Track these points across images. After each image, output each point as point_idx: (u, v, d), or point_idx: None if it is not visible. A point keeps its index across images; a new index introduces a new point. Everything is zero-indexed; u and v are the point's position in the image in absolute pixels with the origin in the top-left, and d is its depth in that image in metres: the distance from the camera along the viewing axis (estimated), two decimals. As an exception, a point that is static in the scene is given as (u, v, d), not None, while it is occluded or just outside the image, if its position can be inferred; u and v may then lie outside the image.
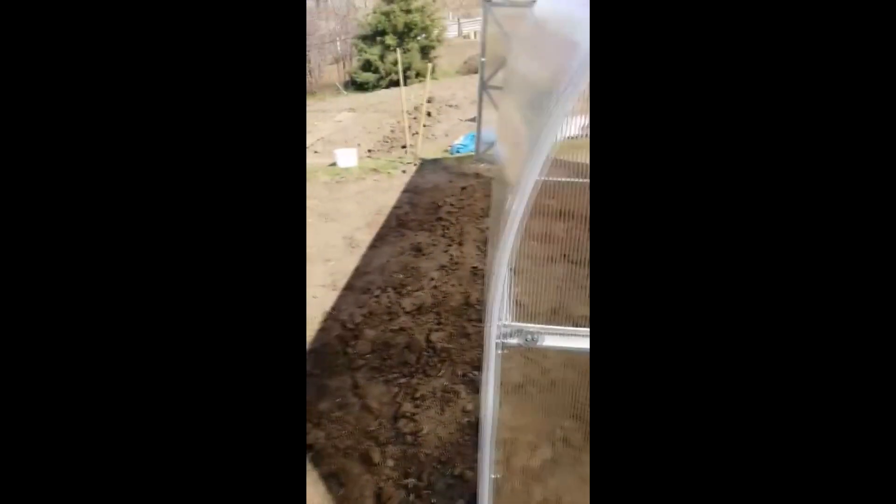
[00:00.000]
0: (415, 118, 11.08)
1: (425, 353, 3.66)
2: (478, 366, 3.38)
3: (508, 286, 1.10)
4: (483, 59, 6.71)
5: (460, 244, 5.26)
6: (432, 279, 4.65)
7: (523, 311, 1.17)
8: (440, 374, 3.39)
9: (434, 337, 3.80)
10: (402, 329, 3.97)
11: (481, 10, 6.62)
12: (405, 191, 7.11)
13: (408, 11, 17.64)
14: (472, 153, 8.68)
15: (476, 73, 20.48)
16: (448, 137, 10.59)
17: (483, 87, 6.83)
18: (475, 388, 3.18)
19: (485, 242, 5.21)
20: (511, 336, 1.16)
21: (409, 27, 17.88)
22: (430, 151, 9.37)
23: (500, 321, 1.13)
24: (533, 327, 1.15)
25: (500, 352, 1.16)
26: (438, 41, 19.63)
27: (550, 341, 1.14)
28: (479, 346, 3.58)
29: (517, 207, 1.02)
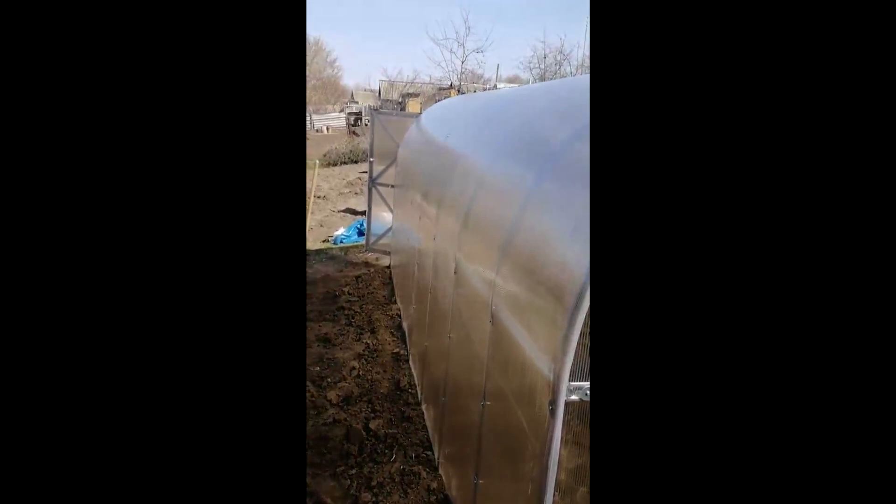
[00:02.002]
0: (289, 210, 11.06)
1: (367, 441, 3.73)
2: (428, 446, 3.57)
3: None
4: (372, 160, 7.30)
5: (373, 331, 5.44)
6: (353, 368, 4.73)
7: (576, 372, 1.57)
8: (392, 458, 3.49)
9: (373, 425, 3.89)
10: (335, 421, 3.98)
11: (369, 117, 7.31)
12: (298, 282, 7.08)
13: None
14: (356, 243, 9.02)
15: (336, 165, 20.86)
16: (324, 228, 10.80)
17: (373, 183, 7.38)
18: (433, 466, 3.36)
19: (398, 328, 5.47)
20: (571, 393, 1.54)
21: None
22: (310, 242, 9.47)
23: (568, 383, 1.51)
24: (586, 384, 1.55)
25: (564, 408, 1.53)
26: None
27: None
28: (424, 428, 3.77)
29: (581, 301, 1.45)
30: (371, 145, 7.28)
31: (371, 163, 7.32)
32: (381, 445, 3.66)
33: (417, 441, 3.64)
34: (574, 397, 1.54)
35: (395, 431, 3.78)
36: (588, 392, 1.54)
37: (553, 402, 1.54)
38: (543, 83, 3.89)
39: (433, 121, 5.75)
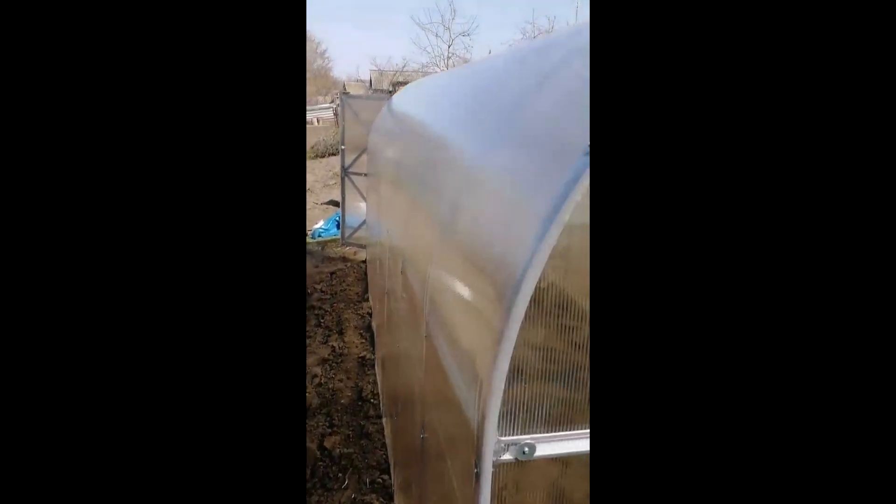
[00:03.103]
0: (268, 203, 10.60)
1: (321, 462, 3.27)
2: (386, 468, 3.11)
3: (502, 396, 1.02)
4: (343, 147, 6.79)
5: (340, 333, 4.98)
6: (315, 376, 4.28)
7: (514, 420, 1.09)
8: (344, 485, 3.04)
9: (328, 442, 3.43)
10: (288, 439, 3.53)
11: (339, 101, 6.78)
12: (268, 280, 6.63)
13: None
14: (335, 237, 8.52)
15: (323, 157, 20.44)
16: (305, 221, 10.32)
17: (345, 173, 6.88)
18: (388, 494, 2.90)
19: (367, 329, 5.01)
20: (504, 451, 1.07)
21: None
22: (289, 237, 8.99)
23: (496, 438, 1.03)
24: (527, 438, 1.07)
25: (494, 470, 1.05)
26: (283, 126, 19.54)
27: (547, 449, 1.08)
28: (383, 446, 3.32)
29: (516, 312, 0.97)
30: (342, 132, 6.78)
31: (342, 151, 6.81)
32: (334, 468, 3.20)
33: (374, 462, 3.18)
34: (508, 457, 1.06)
35: (352, 451, 3.32)
36: (527, 449, 1.06)
37: (478, 462, 1.06)
38: (518, 45, 3.37)
39: (402, 101, 5.24)
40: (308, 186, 14.28)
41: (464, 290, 1.34)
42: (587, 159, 1.00)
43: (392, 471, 3.01)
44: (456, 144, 2.05)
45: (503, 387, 1.00)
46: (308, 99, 36.64)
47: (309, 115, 31.65)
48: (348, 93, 6.75)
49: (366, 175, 6.51)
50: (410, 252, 2.22)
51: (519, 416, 1.08)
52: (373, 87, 32.56)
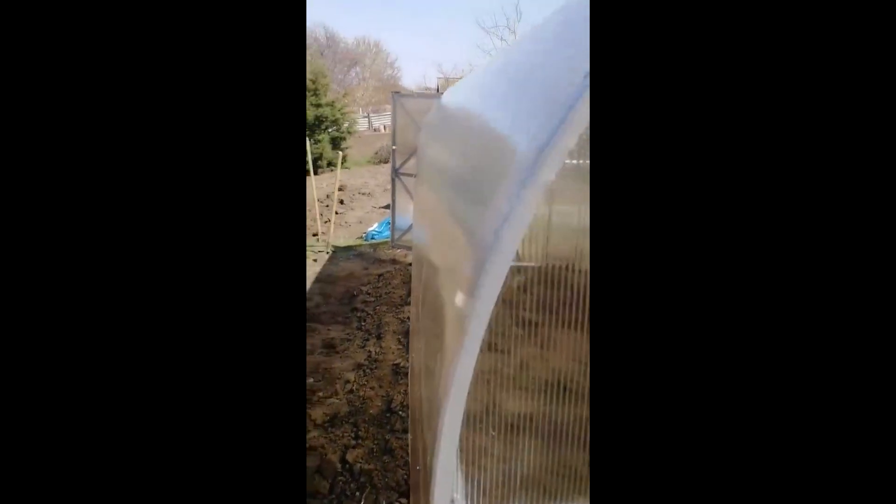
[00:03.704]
0: (326, 206, 10.79)
1: (341, 477, 3.05)
2: (404, 491, 2.84)
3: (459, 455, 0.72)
4: (394, 147, 6.65)
5: (379, 337, 4.79)
6: (348, 382, 4.09)
7: (483, 485, 0.78)
8: (359, 505, 2.80)
9: (351, 455, 3.21)
10: (311, 448, 3.35)
11: (391, 101, 6.66)
12: (316, 280, 6.61)
13: (318, 105, 17.89)
14: (388, 240, 8.43)
15: (385, 162, 20.92)
16: (362, 224, 10.35)
17: (395, 174, 6.73)
18: (403, 522, 2.63)
19: (406, 334, 4.78)
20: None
21: (319, 120, 18.07)
22: (344, 239, 9.03)
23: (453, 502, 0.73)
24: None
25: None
26: (349, 133, 20.03)
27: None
28: (406, 464, 3.05)
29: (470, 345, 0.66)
30: (393, 132, 6.64)
31: (392, 151, 6.67)
32: (353, 484, 2.97)
33: (394, 483, 2.92)
34: (466, 530, 0.75)
35: (373, 467, 3.08)
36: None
37: (428, 536, 0.76)
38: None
39: (453, 95, 4.99)
40: (369, 191, 14.44)
41: (438, 292, 1.04)
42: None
43: (412, 493, 2.74)
44: (465, 124, 1.76)
45: (457, 437, 0.69)
46: (375, 108, 37.57)
47: (376, 122, 32.41)
48: (398, 91, 6.60)
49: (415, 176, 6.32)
50: (420, 251, 1.94)
51: (490, 481, 0.76)
52: (440, 93, 32.69)
